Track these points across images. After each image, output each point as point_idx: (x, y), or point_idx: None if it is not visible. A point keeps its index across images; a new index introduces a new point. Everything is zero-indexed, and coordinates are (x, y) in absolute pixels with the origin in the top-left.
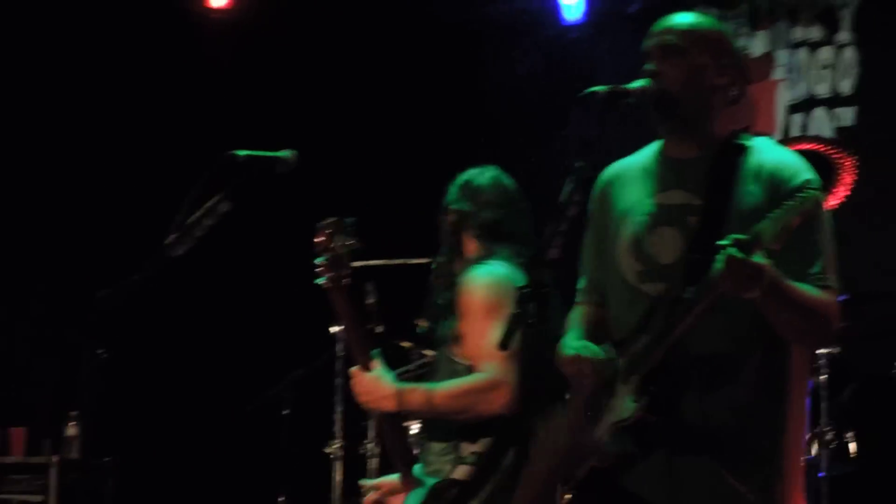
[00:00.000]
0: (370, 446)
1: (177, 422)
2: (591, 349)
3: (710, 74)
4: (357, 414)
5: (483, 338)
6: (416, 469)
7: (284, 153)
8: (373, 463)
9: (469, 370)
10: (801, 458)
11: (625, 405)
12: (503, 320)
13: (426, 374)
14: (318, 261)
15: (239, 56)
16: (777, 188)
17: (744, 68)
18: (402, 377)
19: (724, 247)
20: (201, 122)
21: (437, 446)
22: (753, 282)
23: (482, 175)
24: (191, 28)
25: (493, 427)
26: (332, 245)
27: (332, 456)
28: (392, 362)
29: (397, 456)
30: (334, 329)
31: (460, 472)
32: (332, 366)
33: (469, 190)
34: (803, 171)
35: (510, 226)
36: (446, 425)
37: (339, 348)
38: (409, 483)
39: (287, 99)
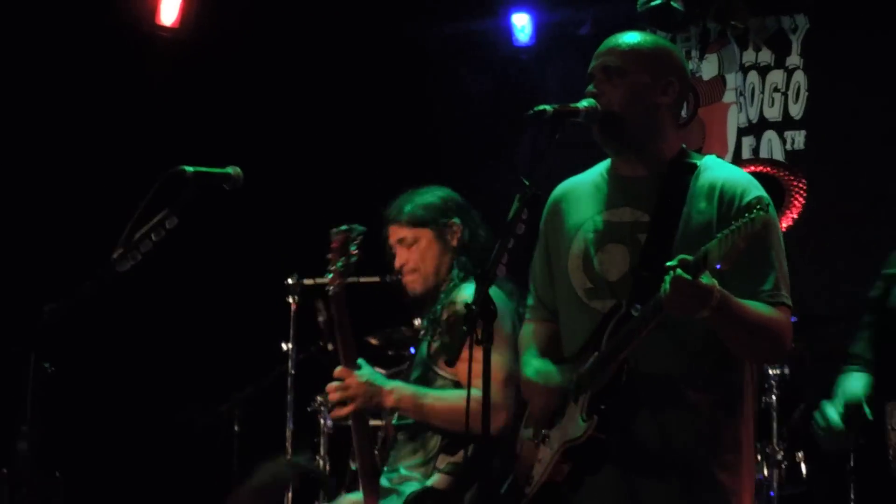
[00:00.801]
0: (321, 462)
1: (126, 437)
2: (547, 376)
3: (653, 93)
4: (308, 430)
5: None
6: (385, 479)
7: (231, 170)
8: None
9: (455, 385)
10: (754, 470)
11: (575, 424)
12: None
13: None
14: (332, 267)
15: (188, 73)
16: (726, 206)
17: (691, 87)
18: None
19: (671, 268)
20: (149, 139)
21: (413, 456)
22: (701, 303)
23: (449, 192)
24: (140, 46)
25: (471, 440)
26: (345, 253)
27: None
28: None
29: (364, 465)
30: (285, 346)
31: (437, 480)
32: (283, 382)
33: (464, 209)
34: (753, 189)
35: (476, 243)
36: (426, 436)
37: (290, 365)
38: (373, 493)
39: (235, 116)
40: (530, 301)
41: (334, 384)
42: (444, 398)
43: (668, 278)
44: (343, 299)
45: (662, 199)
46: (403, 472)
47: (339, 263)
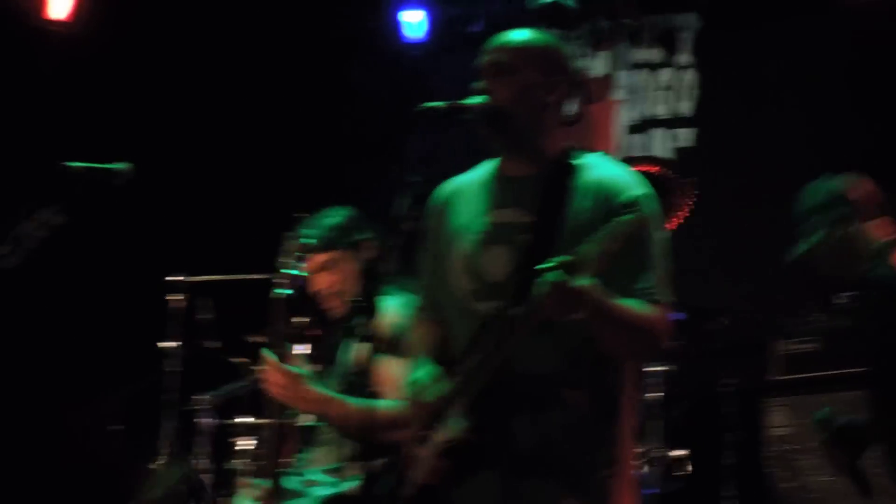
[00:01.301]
0: (198, 463)
1: (2, 437)
2: (423, 386)
3: (541, 92)
4: (185, 430)
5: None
6: (291, 481)
7: (120, 165)
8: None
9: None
10: (633, 468)
11: (452, 426)
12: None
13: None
14: (284, 272)
15: (78, 69)
16: (608, 204)
17: (580, 85)
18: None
19: (547, 269)
20: (37, 134)
21: (326, 460)
22: (577, 304)
23: (345, 211)
24: (29, 40)
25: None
26: (296, 257)
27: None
28: (225, 378)
29: (270, 465)
30: (163, 345)
31: (350, 486)
32: (159, 382)
33: (361, 222)
34: (635, 187)
35: (388, 255)
36: (343, 442)
37: (168, 364)
38: (275, 494)
39: (127, 111)
40: (418, 301)
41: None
42: (365, 409)
43: (544, 279)
44: (286, 303)
45: (545, 200)
46: (315, 475)
47: (290, 267)
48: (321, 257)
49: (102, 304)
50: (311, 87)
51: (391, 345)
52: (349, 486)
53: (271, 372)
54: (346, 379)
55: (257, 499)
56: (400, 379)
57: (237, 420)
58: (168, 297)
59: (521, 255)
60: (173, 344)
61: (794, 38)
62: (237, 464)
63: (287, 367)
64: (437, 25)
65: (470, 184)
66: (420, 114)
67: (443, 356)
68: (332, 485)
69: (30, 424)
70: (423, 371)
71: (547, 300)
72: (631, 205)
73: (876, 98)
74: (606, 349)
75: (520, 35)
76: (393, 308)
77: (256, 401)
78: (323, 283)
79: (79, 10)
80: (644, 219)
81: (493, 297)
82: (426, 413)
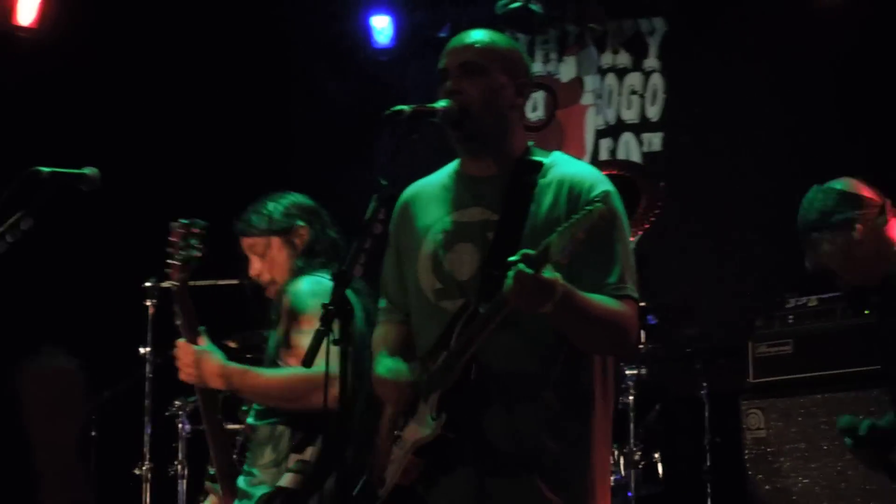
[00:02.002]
0: (179, 468)
1: None
2: (398, 372)
3: (509, 93)
4: (166, 435)
5: (305, 336)
6: (241, 481)
7: (88, 170)
8: (182, 484)
9: None
10: (609, 470)
11: (425, 424)
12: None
13: None
14: (171, 261)
15: (46, 74)
16: (573, 201)
17: (541, 88)
18: None
19: (514, 263)
20: (3, 139)
21: (267, 457)
22: (544, 297)
23: (301, 197)
24: None
25: (319, 437)
26: (184, 246)
27: (141, 477)
28: None
29: (220, 466)
30: (143, 350)
31: (287, 480)
32: (140, 387)
33: (309, 211)
34: (599, 184)
35: (323, 243)
36: (276, 436)
37: (148, 369)
38: (229, 494)
39: (93, 116)
40: (382, 303)
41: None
42: (278, 374)
43: (511, 273)
44: (185, 292)
45: (510, 198)
46: (257, 473)
47: (179, 256)
48: (249, 241)
49: (75, 310)
50: (278, 91)
51: (347, 342)
52: (285, 479)
53: (180, 355)
54: (269, 362)
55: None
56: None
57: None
58: (146, 303)
59: (486, 253)
60: (150, 350)
61: (761, 40)
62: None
63: (193, 347)
64: (404, 31)
65: (432, 185)
66: (387, 118)
67: (405, 354)
68: (269, 483)
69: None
70: (391, 360)
71: (512, 293)
72: (593, 200)
73: (847, 99)
74: (576, 343)
75: (483, 35)
76: (302, 285)
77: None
78: (254, 268)
79: (45, 16)
80: (608, 211)
81: (459, 296)
82: (408, 392)
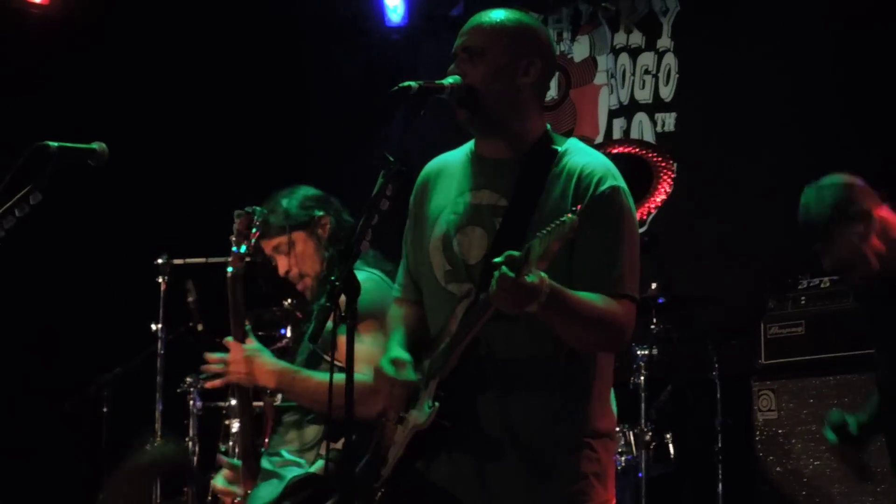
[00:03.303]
0: (190, 444)
1: None
2: (400, 366)
3: (514, 73)
4: (177, 412)
5: (362, 343)
6: (265, 461)
7: (97, 145)
8: (194, 461)
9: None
10: (611, 457)
11: (422, 410)
12: (381, 328)
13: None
14: (235, 250)
15: (58, 51)
16: (581, 193)
17: (558, 64)
18: None
19: (498, 264)
20: (16, 115)
21: (296, 441)
22: (527, 299)
23: (311, 189)
24: (10, 22)
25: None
26: (247, 236)
27: None
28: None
29: (245, 445)
30: (154, 327)
31: (321, 468)
32: (152, 364)
33: (325, 201)
34: (609, 178)
35: (347, 229)
36: (309, 422)
37: (160, 346)
38: (251, 474)
39: (105, 93)
40: (400, 278)
41: (217, 355)
42: (326, 381)
43: (496, 274)
44: (240, 281)
45: (520, 184)
46: (286, 455)
47: (243, 247)
48: (272, 242)
49: (86, 287)
50: (290, 70)
51: (354, 318)
52: (317, 466)
53: (232, 356)
54: (310, 355)
55: (227, 478)
56: (365, 353)
57: (232, 402)
58: (158, 280)
59: (494, 238)
60: (162, 326)
61: (774, 21)
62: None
63: (244, 346)
64: (417, 9)
65: (450, 164)
66: (394, 94)
67: (420, 335)
68: (302, 465)
69: (20, 408)
70: (398, 350)
71: (497, 294)
72: (572, 210)
73: (859, 81)
74: (567, 341)
75: (492, 16)
76: (366, 281)
77: None
78: (282, 266)
79: None
80: (576, 224)
81: (466, 280)
82: (401, 390)
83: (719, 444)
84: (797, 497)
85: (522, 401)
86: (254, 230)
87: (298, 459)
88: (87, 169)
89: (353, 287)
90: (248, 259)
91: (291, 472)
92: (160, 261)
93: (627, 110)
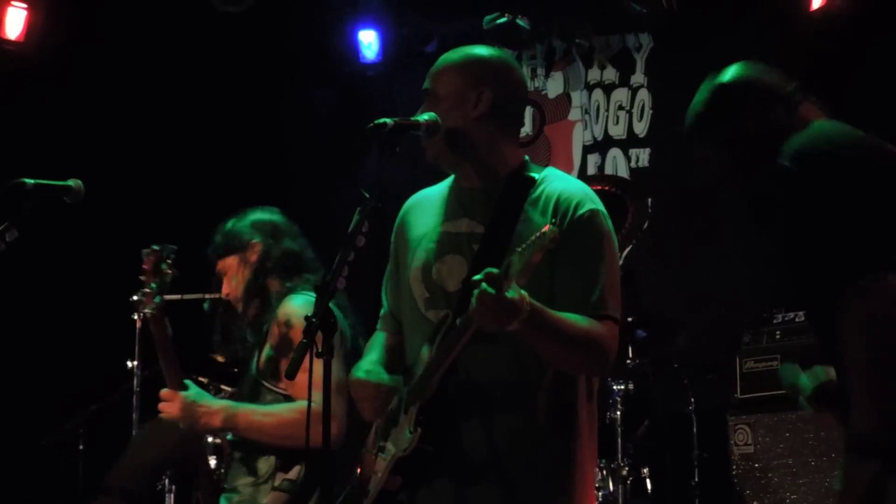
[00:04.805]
0: (167, 481)
1: None
2: (378, 374)
3: (464, 106)
4: None
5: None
6: (223, 500)
7: (73, 182)
8: (170, 499)
9: (286, 399)
10: (593, 484)
11: (403, 436)
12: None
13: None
14: (145, 290)
15: (32, 88)
16: (559, 218)
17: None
18: None
19: (477, 282)
20: None
21: (248, 476)
22: (508, 316)
23: (264, 213)
24: None
25: (305, 456)
26: (157, 273)
27: None
28: None
29: (203, 483)
30: (130, 363)
31: (273, 498)
32: (128, 400)
33: (265, 227)
34: (587, 202)
35: (305, 258)
36: (260, 454)
37: (136, 383)
38: None
39: (79, 130)
40: (382, 311)
41: (163, 404)
42: (274, 413)
43: (476, 292)
44: (161, 320)
45: (498, 211)
46: (241, 491)
47: (153, 285)
48: (220, 264)
49: (62, 324)
50: (265, 104)
51: (330, 354)
52: (270, 497)
53: (167, 407)
54: (252, 386)
55: None
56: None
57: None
58: (133, 316)
59: (473, 264)
60: (138, 363)
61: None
62: None
63: (181, 395)
64: (391, 46)
65: (429, 197)
66: (369, 131)
67: (398, 365)
68: (253, 499)
69: None
70: (370, 363)
71: (479, 311)
72: (551, 223)
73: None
74: (550, 362)
75: (446, 56)
76: (293, 306)
77: None
78: (224, 290)
79: (32, 30)
80: (557, 235)
81: (445, 306)
82: (384, 395)
83: (696, 479)
84: None
85: (504, 425)
86: (164, 267)
87: (248, 494)
88: (63, 206)
89: (329, 324)
90: (163, 297)
91: None
92: (135, 297)
93: (602, 146)
